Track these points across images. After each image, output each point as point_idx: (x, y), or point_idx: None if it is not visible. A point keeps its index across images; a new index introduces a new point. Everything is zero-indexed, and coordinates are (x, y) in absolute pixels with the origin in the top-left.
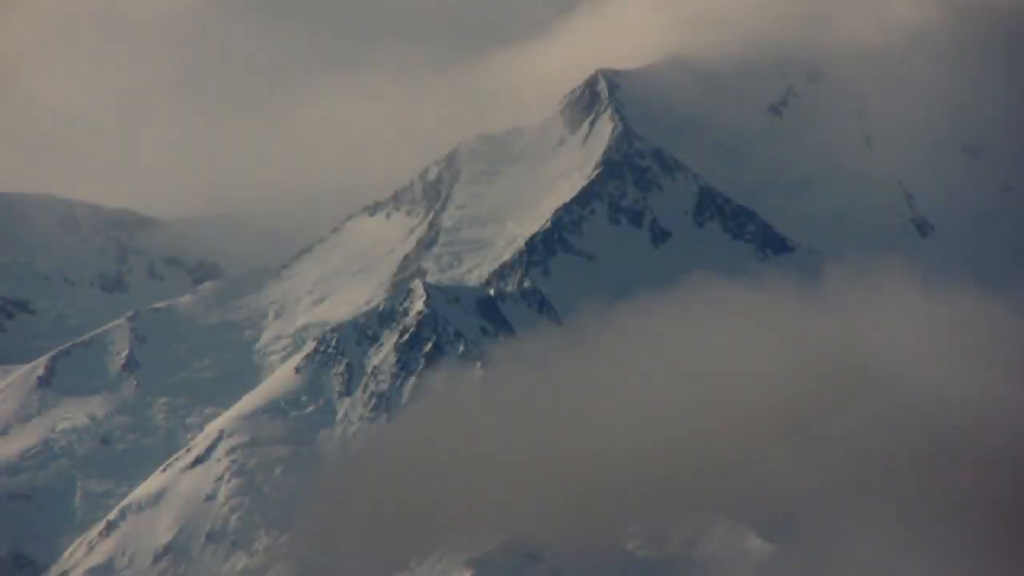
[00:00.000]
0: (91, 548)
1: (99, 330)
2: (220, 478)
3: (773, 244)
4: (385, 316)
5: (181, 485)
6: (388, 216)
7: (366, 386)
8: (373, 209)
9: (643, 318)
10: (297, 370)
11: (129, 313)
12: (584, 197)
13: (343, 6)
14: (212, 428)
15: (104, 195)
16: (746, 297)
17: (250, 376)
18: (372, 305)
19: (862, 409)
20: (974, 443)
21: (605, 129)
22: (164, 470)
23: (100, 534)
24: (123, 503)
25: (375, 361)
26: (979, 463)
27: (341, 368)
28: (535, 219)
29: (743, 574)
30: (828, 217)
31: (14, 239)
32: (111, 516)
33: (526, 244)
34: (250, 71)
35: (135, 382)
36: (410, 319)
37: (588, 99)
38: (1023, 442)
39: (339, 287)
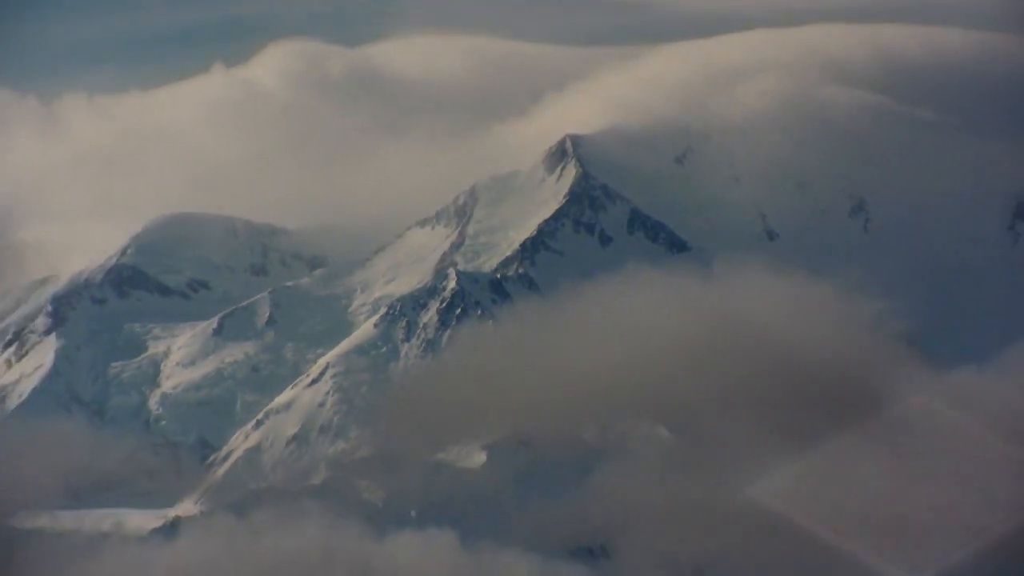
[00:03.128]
0: (247, 437)
1: (251, 300)
2: (327, 393)
3: (678, 246)
4: (431, 291)
5: (303, 398)
6: (432, 228)
7: (419, 336)
8: (423, 223)
9: (597, 294)
10: (375, 326)
11: (270, 289)
12: (557, 215)
13: (389, 95)
14: (322, 362)
15: (253, 214)
16: (662, 280)
17: (345, 330)
18: (422, 284)
19: (736, 349)
20: (806, 369)
21: (570, 173)
22: (292, 388)
23: (252, 427)
24: (267, 408)
25: (424, 320)
26: (808, 381)
27: (403, 324)
28: (527, 229)
29: (656, 455)
30: (713, 228)
31: (197, 242)
32: (259, 416)
33: (521, 245)
34: (337, 136)
35: (273, 333)
36: (446, 293)
37: (560, 154)
38: (832, 367)
39: (402, 273)
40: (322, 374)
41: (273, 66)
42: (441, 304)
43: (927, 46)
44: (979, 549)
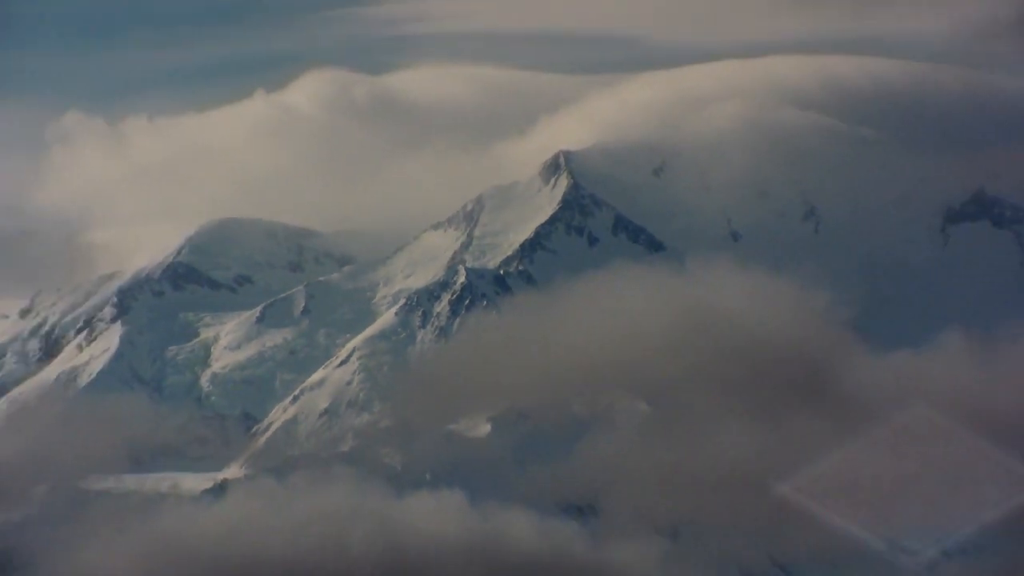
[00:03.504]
0: (285, 410)
1: (288, 292)
2: (354, 372)
3: (655, 246)
4: (443, 285)
5: (333, 376)
6: (445, 230)
7: (433, 324)
8: (436, 226)
9: (586, 287)
10: (395, 314)
11: (305, 283)
12: (552, 220)
13: (407, 117)
14: (349, 346)
15: (290, 219)
16: (642, 276)
17: (370, 317)
18: (436, 279)
19: (706, 334)
20: (765, 351)
21: (563, 183)
22: (324, 368)
23: (290, 402)
24: (302, 386)
25: (438, 309)
26: (768, 361)
27: (419, 313)
28: (525, 232)
29: (637, 425)
30: (685, 231)
31: (242, 243)
32: (295, 393)
33: (520, 245)
34: (363, 152)
35: (308, 321)
36: (456, 286)
37: (554, 167)
38: (788, 349)
39: (418, 269)
40: (350, 356)
41: (308, 92)
42: (452, 296)
43: (869, 75)
44: (916, 504)
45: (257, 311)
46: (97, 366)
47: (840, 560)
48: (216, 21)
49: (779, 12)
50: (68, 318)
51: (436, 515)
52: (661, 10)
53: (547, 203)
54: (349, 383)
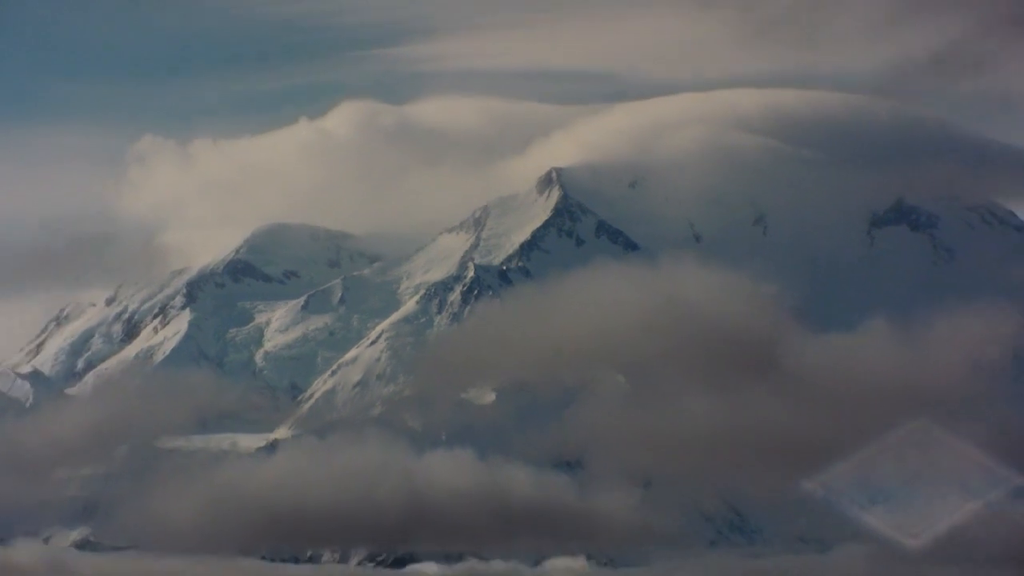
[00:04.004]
0: (325, 382)
1: (327, 285)
2: (382, 351)
3: (631, 246)
4: (455, 279)
5: (365, 354)
6: (457, 234)
7: (447, 311)
8: (450, 230)
9: (574, 281)
10: (417, 303)
11: (341, 277)
12: (546, 225)
13: (425, 139)
14: (378, 329)
15: (329, 223)
16: (620, 271)
17: (395, 305)
18: (450, 274)
19: (673, 319)
20: (722, 334)
21: (555, 195)
22: (357, 347)
23: (329, 375)
24: (339, 362)
25: (451, 299)
26: (725, 342)
27: (436, 302)
28: (524, 234)
29: (616, 395)
30: (656, 234)
31: (290, 244)
32: (334, 368)
33: (520, 246)
34: (389, 169)
35: (344, 308)
36: (466, 279)
37: (547, 181)
38: (741, 332)
39: (435, 266)
40: (378, 338)
41: (343, 119)
42: (463, 288)
43: (808, 105)
44: (846, 460)
45: (302, 300)
46: (170, 346)
47: (784, 505)
48: (267, 60)
49: (732, 52)
50: (145, 306)
51: (450, 469)
52: (634, 51)
53: (542, 211)
54: (378, 359)
